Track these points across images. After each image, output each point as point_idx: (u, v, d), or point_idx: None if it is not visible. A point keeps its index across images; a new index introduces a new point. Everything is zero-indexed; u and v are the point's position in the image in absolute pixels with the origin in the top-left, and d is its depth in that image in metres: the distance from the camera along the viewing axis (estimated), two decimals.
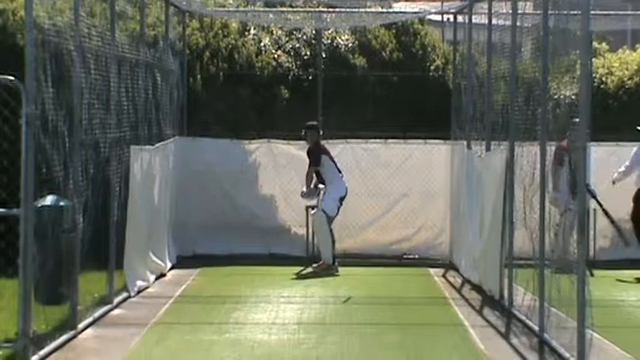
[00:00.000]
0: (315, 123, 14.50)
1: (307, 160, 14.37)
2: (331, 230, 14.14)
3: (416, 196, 15.43)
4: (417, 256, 15.35)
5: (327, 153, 14.36)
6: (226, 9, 16.31)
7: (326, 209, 14.12)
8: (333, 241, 14.10)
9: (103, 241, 10.89)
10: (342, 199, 14.22)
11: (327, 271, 13.84)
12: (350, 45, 16.42)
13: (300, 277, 13.68)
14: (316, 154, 14.20)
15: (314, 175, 14.26)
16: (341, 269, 14.00)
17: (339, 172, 14.31)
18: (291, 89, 15.88)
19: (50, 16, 9.41)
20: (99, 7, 11.60)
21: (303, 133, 14.38)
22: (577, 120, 8.46)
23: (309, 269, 14.03)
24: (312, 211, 14.42)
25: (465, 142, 13.94)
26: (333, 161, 14.32)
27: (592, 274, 13.04)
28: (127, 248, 11.37)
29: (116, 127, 11.18)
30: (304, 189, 14.31)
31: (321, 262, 14.03)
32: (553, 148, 9.33)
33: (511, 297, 11.03)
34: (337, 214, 14.25)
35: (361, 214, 15.27)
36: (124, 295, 11.47)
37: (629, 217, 14.53)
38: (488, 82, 12.66)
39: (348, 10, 15.77)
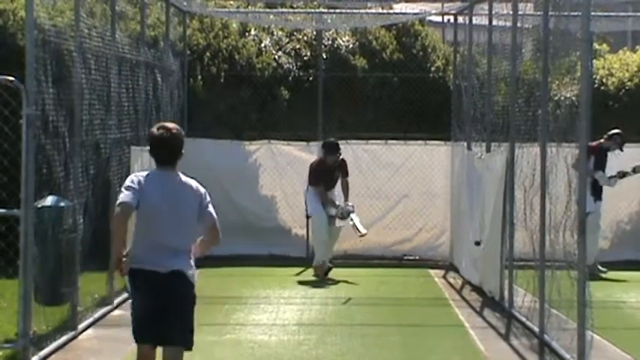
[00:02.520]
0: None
1: (308, 161, 14.25)
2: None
3: (416, 197, 15.42)
4: (417, 257, 15.35)
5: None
6: (227, 10, 16.30)
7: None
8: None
9: (104, 242, 10.87)
10: None
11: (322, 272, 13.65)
12: (350, 46, 16.41)
13: (300, 278, 13.66)
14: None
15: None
16: (341, 270, 13.94)
17: None
18: (291, 90, 15.87)
19: (51, 17, 9.42)
20: (99, 7, 11.61)
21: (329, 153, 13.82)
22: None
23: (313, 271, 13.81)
24: (341, 223, 13.98)
25: (465, 143, 13.94)
26: None
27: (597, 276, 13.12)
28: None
29: (117, 128, 11.19)
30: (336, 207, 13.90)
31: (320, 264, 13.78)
32: (554, 149, 9.29)
33: (511, 298, 11.03)
34: None
35: (362, 215, 15.22)
36: (124, 295, 11.46)
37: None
38: (488, 83, 12.66)
39: (348, 11, 15.78)
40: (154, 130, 6.55)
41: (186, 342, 6.53)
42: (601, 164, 13.59)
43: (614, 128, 13.91)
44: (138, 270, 6.44)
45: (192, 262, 6.62)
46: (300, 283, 13.26)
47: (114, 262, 6.68)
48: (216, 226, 6.60)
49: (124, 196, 6.34)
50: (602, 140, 13.65)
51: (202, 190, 6.61)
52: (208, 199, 6.62)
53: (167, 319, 6.39)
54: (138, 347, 6.56)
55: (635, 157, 14.33)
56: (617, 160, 13.98)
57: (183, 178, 6.56)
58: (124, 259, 6.35)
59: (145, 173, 6.52)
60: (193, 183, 6.60)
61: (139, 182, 6.39)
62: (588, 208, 12.02)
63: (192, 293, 6.56)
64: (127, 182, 6.43)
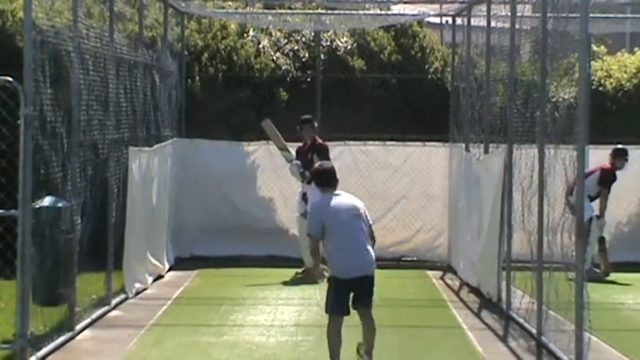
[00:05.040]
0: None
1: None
2: None
3: (414, 199, 15.41)
4: (415, 259, 15.34)
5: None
6: (225, 10, 16.29)
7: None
8: None
9: (101, 243, 10.88)
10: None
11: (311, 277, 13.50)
12: (349, 47, 16.42)
13: (298, 278, 13.63)
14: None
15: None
16: None
17: None
18: (289, 91, 15.87)
19: (49, 18, 9.41)
20: (97, 8, 11.60)
21: (302, 126, 13.74)
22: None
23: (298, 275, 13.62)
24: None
25: (463, 145, 13.94)
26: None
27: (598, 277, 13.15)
28: (126, 249, 11.36)
29: (115, 128, 11.19)
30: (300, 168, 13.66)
31: (304, 268, 13.61)
32: (552, 151, 9.29)
33: (509, 300, 11.02)
34: None
35: None
36: (122, 296, 11.47)
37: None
38: (486, 84, 12.66)
39: (347, 12, 15.77)
40: (319, 166, 8.88)
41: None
42: (607, 182, 13.57)
43: (618, 143, 13.96)
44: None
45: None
46: (298, 284, 13.24)
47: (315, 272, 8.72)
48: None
49: (310, 228, 8.44)
50: (613, 160, 13.69)
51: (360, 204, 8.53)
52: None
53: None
54: None
55: (635, 159, 14.33)
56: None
57: (341, 192, 8.52)
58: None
59: (320, 200, 8.52)
60: (349, 195, 8.59)
61: (320, 211, 8.39)
62: (589, 214, 12.09)
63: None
64: (312, 212, 8.60)
